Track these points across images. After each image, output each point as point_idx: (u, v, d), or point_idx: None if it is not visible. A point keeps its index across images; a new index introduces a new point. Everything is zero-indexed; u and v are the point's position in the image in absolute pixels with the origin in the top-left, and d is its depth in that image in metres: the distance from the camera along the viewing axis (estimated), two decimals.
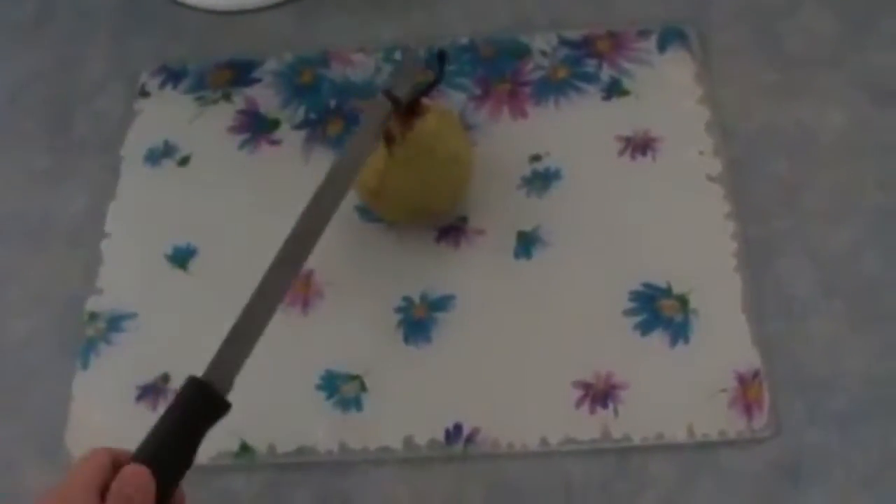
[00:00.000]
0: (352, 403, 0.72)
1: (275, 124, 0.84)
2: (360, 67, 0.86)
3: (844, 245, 0.75)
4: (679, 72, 0.84)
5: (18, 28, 0.95)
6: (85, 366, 0.76)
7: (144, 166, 0.84)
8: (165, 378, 0.75)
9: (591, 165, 0.80)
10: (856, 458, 0.68)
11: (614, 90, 0.83)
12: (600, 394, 0.71)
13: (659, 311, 0.73)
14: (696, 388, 0.71)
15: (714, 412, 0.70)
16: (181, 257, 0.79)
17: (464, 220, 0.78)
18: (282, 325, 0.74)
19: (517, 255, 0.76)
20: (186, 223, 0.81)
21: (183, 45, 0.91)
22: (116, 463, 0.58)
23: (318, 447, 0.71)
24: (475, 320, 0.74)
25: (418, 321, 0.74)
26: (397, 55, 0.86)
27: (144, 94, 0.88)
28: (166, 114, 0.86)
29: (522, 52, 0.86)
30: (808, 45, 0.84)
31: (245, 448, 0.72)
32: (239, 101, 0.86)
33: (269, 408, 0.73)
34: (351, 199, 0.79)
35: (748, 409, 0.70)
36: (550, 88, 0.84)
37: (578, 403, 0.71)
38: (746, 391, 0.70)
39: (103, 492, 0.56)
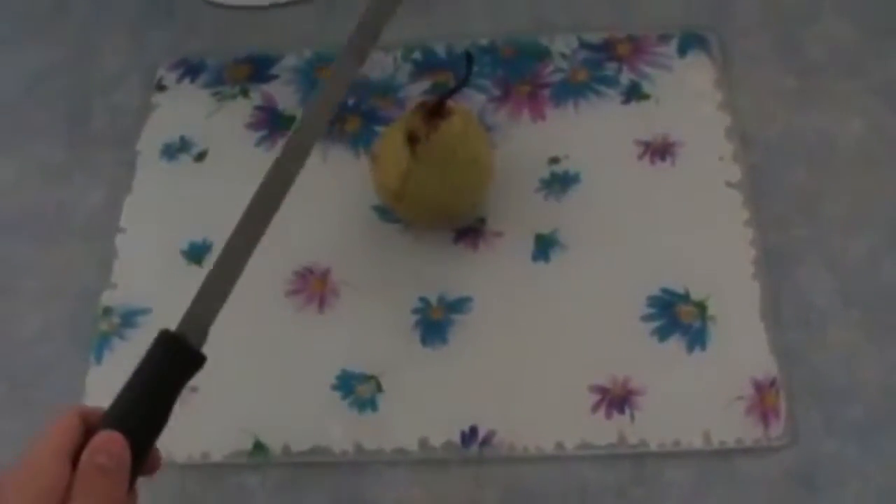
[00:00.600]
0: (367, 404, 0.72)
1: (292, 121, 0.84)
2: (378, 65, 0.86)
3: (863, 254, 0.75)
4: (699, 77, 0.83)
5: (35, 20, 0.94)
6: (99, 360, 0.76)
7: (161, 161, 0.84)
8: None
9: (609, 169, 0.79)
10: (872, 468, 0.68)
11: (634, 94, 0.83)
12: (617, 399, 0.71)
13: (677, 316, 0.73)
14: (713, 394, 0.70)
15: (731, 419, 0.69)
16: (196, 253, 0.79)
17: (482, 221, 0.78)
18: (297, 323, 0.75)
19: (535, 258, 0.76)
20: (202, 219, 0.80)
21: (201, 39, 0.91)
22: (87, 423, 0.55)
23: (332, 447, 0.71)
24: (492, 323, 0.74)
25: (435, 322, 0.74)
26: (416, 55, 0.86)
27: (161, 88, 0.87)
28: (183, 108, 0.86)
29: (542, 54, 0.86)
30: (828, 52, 0.84)
31: (259, 447, 0.71)
32: (256, 98, 0.86)
33: (284, 407, 0.73)
34: (369, 199, 0.78)
35: (765, 417, 0.69)
36: (570, 91, 0.83)
37: (595, 408, 0.70)
38: (763, 399, 0.70)
39: (75, 457, 0.53)
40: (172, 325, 0.76)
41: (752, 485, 0.68)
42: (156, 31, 0.92)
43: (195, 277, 0.77)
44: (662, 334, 0.73)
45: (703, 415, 0.70)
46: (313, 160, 0.80)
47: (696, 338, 0.72)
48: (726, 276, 0.74)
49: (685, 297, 0.74)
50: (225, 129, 0.84)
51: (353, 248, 0.77)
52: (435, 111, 0.72)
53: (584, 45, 0.86)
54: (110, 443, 0.53)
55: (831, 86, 0.82)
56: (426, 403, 0.72)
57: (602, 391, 0.71)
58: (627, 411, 0.70)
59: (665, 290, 0.74)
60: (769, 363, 0.71)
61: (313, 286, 0.76)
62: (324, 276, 0.77)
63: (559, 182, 0.79)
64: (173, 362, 0.57)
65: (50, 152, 0.86)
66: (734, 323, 0.73)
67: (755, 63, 0.84)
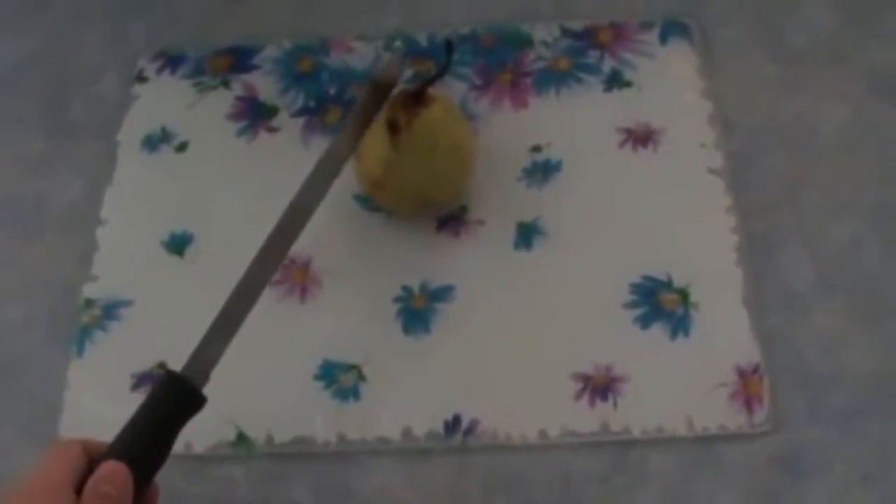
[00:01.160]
0: (350, 393, 0.72)
1: (273, 111, 0.83)
2: (359, 55, 0.86)
3: (845, 240, 0.75)
4: (681, 64, 0.83)
5: (14, 10, 0.93)
6: (80, 353, 0.76)
7: (142, 152, 0.83)
8: (162, 366, 0.74)
9: (591, 157, 0.79)
10: (856, 453, 0.68)
11: (616, 82, 0.83)
12: (600, 386, 0.71)
13: (659, 304, 0.73)
14: (696, 381, 0.70)
15: (714, 406, 0.69)
16: (178, 244, 0.79)
17: (464, 210, 0.78)
18: (279, 313, 0.75)
19: (517, 246, 0.76)
20: (183, 210, 0.80)
21: (182, 30, 0.90)
22: (89, 455, 0.57)
23: (315, 437, 0.71)
24: (475, 311, 0.74)
25: (418, 311, 0.74)
26: (397, 43, 0.86)
27: (142, 79, 0.87)
28: (164, 100, 0.85)
29: (524, 43, 0.85)
30: (809, 39, 0.84)
31: (242, 437, 0.71)
32: (237, 88, 0.85)
33: (267, 397, 0.72)
34: (350, 188, 0.78)
35: (748, 403, 0.69)
36: (552, 79, 0.83)
37: (578, 396, 0.70)
38: (746, 385, 0.70)
39: (78, 487, 0.55)
40: (154, 317, 0.76)
41: (736, 471, 0.68)
42: (135, 23, 0.91)
43: (176, 269, 0.78)
44: (645, 322, 0.72)
45: (686, 401, 0.70)
46: (294, 148, 0.81)
47: (679, 325, 0.72)
48: (709, 262, 0.74)
49: (668, 285, 0.74)
50: (206, 119, 0.84)
51: (334, 238, 0.77)
52: (415, 99, 0.72)
53: (565, 32, 0.86)
54: (116, 472, 0.56)
55: (813, 72, 0.82)
56: (409, 392, 0.71)
57: (585, 379, 0.71)
58: (611, 399, 0.70)
59: (647, 278, 0.74)
60: (752, 349, 0.71)
61: (295, 276, 0.76)
62: (305, 265, 0.76)
63: (541, 170, 0.79)
64: (178, 403, 0.60)
65: (29, 143, 0.85)
66: (717, 310, 0.73)
67: (737, 50, 0.84)
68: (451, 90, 0.82)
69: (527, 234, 0.76)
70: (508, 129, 0.81)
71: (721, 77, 0.83)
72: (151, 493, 0.60)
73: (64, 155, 0.84)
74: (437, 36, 0.86)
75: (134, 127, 0.84)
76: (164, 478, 0.69)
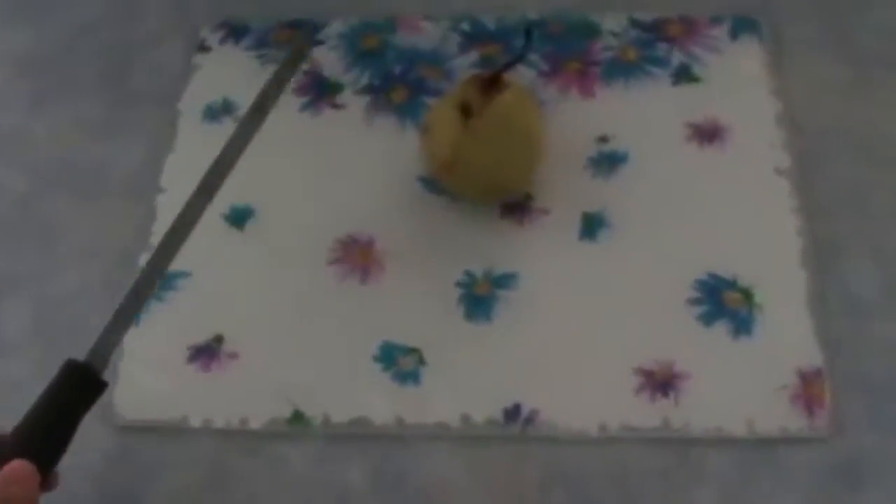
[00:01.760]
0: (409, 377, 0.71)
1: (338, 88, 0.83)
2: (426, 35, 0.85)
3: None
4: (750, 62, 0.83)
5: None
6: (136, 322, 0.75)
7: (203, 122, 0.83)
8: (218, 339, 0.74)
9: (658, 150, 0.79)
10: None
11: (684, 76, 0.82)
12: (661, 382, 0.70)
13: (723, 302, 0.73)
14: (758, 382, 0.70)
15: (775, 408, 0.69)
16: (238, 217, 0.78)
17: (529, 197, 0.77)
18: (340, 293, 0.74)
19: (581, 237, 0.75)
20: (244, 183, 0.78)
21: (245, 1, 0.89)
22: None
23: (373, 419, 0.70)
24: (538, 300, 0.73)
25: (480, 298, 0.73)
26: (465, 25, 0.85)
27: (205, 48, 0.86)
28: (226, 70, 0.85)
29: (592, 32, 0.85)
30: (881, 41, 0.83)
31: (298, 416, 0.71)
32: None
33: (325, 376, 0.72)
34: (413, 170, 0.78)
35: (809, 407, 0.69)
36: (620, 70, 0.83)
37: (639, 391, 0.70)
38: (808, 389, 0.69)
39: None
40: (213, 290, 0.76)
41: (795, 475, 0.67)
42: None
43: (235, 242, 0.77)
44: (708, 319, 0.72)
45: (747, 403, 0.69)
46: (358, 126, 0.80)
47: (742, 325, 0.72)
48: (774, 264, 0.74)
49: (732, 284, 0.73)
50: None
51: (397, 219, 0.77)
52: (490, 84, 0.71)
53: (634, 24, 0.85)
54: (21, 473, 0.57)
55: (883, 76, 0.82)
56: (469, 379, 0.71)
57: (646, 374, 0.70)
58: (672, 395, 0.70)
59: (711, 275, 0.73)
60: (815, 353, 0.70)
61: (356, 256, 0.75)
62: (367, 246, 0.76)
63: (607, 161, 0.78)
64: (81, 389, 0.61)
65: (90, 109, 0.85)
66: (780, 311, 0.72)
67: (807, 50, 0.83)
68: (519, 76, 0.81)
69: (592, 226, 0.76)
70: (575, 117, 0.80)
71: (790, 76, 0.82)
72: (51, 480, 0.60)
73: (124, 122, 0.84)
74: (506, 20, 0.85)
75: (195, 96, 0.84)
76: (219, 452, 0.69)
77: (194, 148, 0.81)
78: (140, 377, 0.73)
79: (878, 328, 0.72)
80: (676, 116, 0.80)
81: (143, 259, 0.77)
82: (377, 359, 0.72)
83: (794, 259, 0.74)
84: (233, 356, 0.73)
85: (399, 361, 0.72)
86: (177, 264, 0.75)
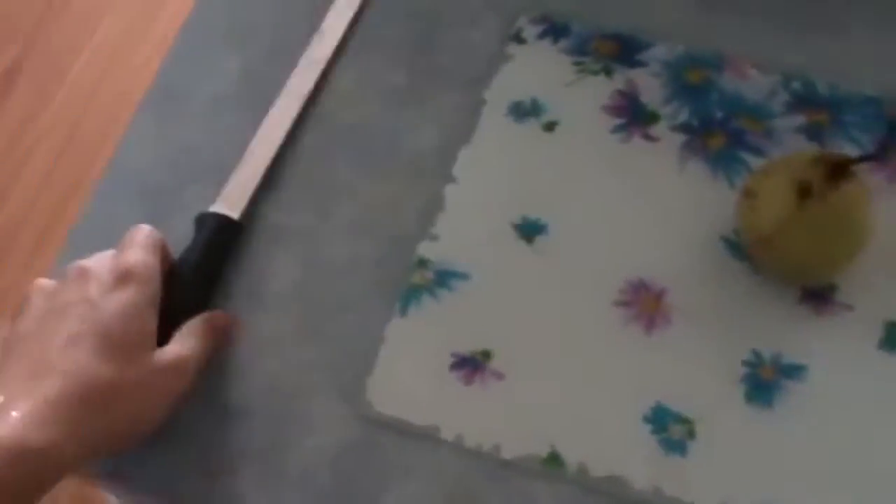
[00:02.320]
0: (676, 447, 0.68)
1: (654, 118, 0.78)
2: (754, 84, 0.79)
3: None
4: None
5: None
6: (403, 312, 0.73)
7: (507, 118, 0.79)
8: (486, 354, 0.71)
9: None
10: None
11: None
12: None
13: None
14: None
15: None
16: (529, 230, 0.75)
17: (832, 288, 0.72)
18: (622, 339, 0.71)
19: (881, 346, 0.71)
20: (542, 195, 0.76)
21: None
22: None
23: (631, 482, 0.67)
24: (824, 401, 0.69)
25: (764, 382, 0.70)
26: (796, 85, 0.79)
27: (520, 40, 0.82)
28: (540, 69, 0.81)
29: None
30: None
31: (554, 457, 0.68)
32: (619, 81, 0.80)
33: (588, 422, 0.69)
34: (720, 227, 0.74)
35: None
36: None
37: None
38: None
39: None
40: (488, 300, 0.74)
41: None
42: None
43: (522, 255, 0.75)
44: None
45: None
46: (669, 166, 0.76)
47: None
48: None
49: None
50: (581, 104, 0.79)
51: (692, 275, 0.73)
52: (837, 169, 0.67)
53: None
54: (226, 321, 0.73)
55: None
56: (737, 464, 0.68)
57: None
58: None
59: None
60: None
61: (645, 303, 0.72)
62: (658, 296, 0.72)
63: None
64: (222, 233, 0.75)
65: (391, 74, 0.82)
66: None
67: None
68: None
69: (894, 337, 0.71)
70: None
71: None
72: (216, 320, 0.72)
73: (424, 96, 0.81)
74: (839, 88, 0.79)
75: (503, 89, 0.80)
76: (466, 473, 0.67)
77: (493, 144, 0.78)
78: (398, 370, 0.72)
79: None
80: None
81: (423, 248, 0.75)
82: (647, 419, 0.69)
83: None
84: (498, 376, 0.71)
85: (669, 428, 0.69)
86: (455, 262, 0.74)
